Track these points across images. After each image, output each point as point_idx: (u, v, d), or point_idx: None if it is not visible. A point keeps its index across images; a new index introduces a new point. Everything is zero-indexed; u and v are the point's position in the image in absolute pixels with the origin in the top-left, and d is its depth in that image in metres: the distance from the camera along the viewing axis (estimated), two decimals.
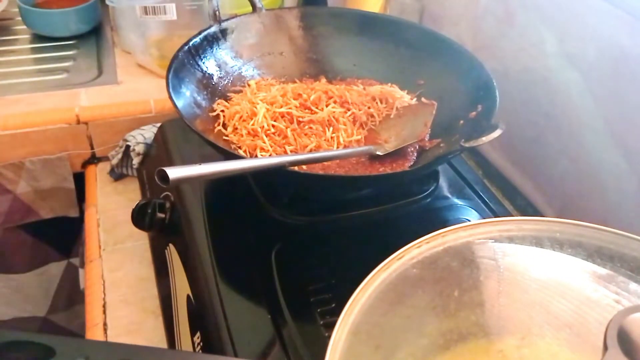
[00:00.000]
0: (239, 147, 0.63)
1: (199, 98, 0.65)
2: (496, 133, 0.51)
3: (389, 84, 0.73)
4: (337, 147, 0.64)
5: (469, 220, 0.50)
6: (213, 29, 0.69)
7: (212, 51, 0.69)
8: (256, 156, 0.61)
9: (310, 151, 0.62)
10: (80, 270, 0.83)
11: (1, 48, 0.97)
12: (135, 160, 0.77)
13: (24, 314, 0.94)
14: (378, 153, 0.63)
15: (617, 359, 0.26)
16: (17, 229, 0.86)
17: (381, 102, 0.69)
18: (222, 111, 0.66)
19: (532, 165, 0.74)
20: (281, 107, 0.65)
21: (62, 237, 0.91)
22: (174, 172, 0.42)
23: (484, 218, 0.61)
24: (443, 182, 0.66)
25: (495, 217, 0.62)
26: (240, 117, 0.65)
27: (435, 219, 0.62)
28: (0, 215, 0.83)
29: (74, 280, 0.92)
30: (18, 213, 0.84)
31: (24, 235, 0.88)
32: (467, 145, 0.52)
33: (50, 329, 0.95)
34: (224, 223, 0.59)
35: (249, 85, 0.71)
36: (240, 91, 0.70)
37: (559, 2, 0.64)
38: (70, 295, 0.94)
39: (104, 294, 0.65)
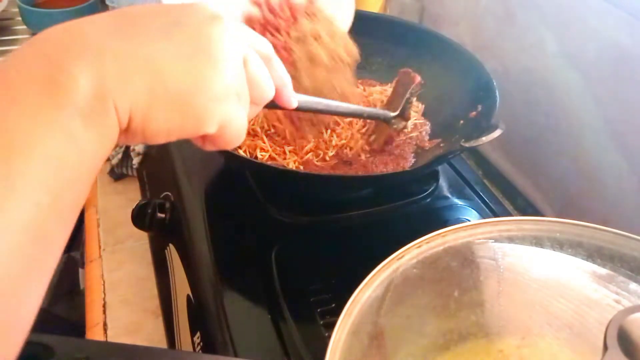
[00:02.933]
0: (239, 147, 0.63)
1: None
2: (496, 133, 0.51)
3: (389, 85, 0.73)
4: (334, 148, 0.64)
5: (469, 220, 0.50)
6: None
7: None
8: (256, 157, 0.61)
9: (309, 151, 0.62)
10: (81, 270, 0.83)
11: (1, 48, 0.97)
12: (135, 160, 0.77)
13: None
14: (392, 114, 0.61)
15: (617, 359, 0.26)
16: None
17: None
18: None
19: (532, 165, 0.74)
20: None
21: None
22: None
23: (484, 218, 0.61)
24: (443, 182, 0.66)
25: (495, 217, 0.62)
26: None
27: (435, 219, 0.62)
28: None
29: (74, 272, 0.92)
30: None
31: None
32: (467, 145, 0.52)
33: (51, 320, 0.95)
34: (224, 223, 0.59)
35: None
36: None
37: (559, 2, 0.64)
38: (71, 288, 0.93)
39: (104, 294, 0.65)
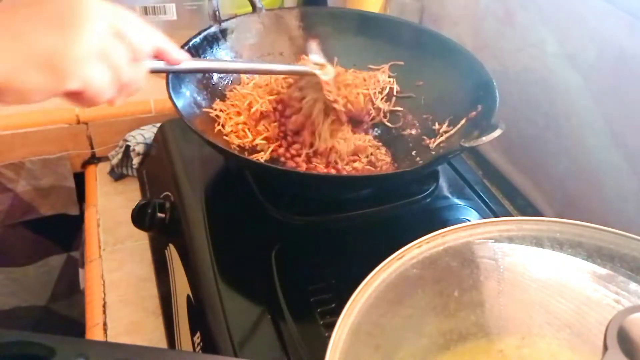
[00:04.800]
0: (240, 146, 0.63)
1: (199, 98, 0.65)
2: (496, 133, 0.51)
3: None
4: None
5: (469, 220, 0.50)
6: (213, 29, 0.69)
7: (212, 51, 0.69)
8: (255, 147, 0.61)
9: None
10: (81, 270, 0.83)
11: None
12: (135, 160, 0.77)
13: (25, 304, 0.94)
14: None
15: (617, 359, 0.26)
16: (17, 225, 0.86)
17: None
18: (222, 111, 0.66)
19: (532, 165, 0.74)
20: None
21: (62, 232, 0.91)
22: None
23: (484, 218, 0.61)
24: (443, 182, 0.66)
25: (495, 217, 0.62)
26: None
27: (435, 219, 0.62)
28: (1, 212, 0.83)
29: (74, 272, 0.92)
30: (19, 210, 0.84)
31: (24, 231, 0.88)
32: (467, 145, 0.52)
33: (51, 317, 0.95)
34: (224, 223, 0.59)
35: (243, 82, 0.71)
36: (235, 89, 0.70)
37: (559, 2, 0.64)
38: (71, 285, 0.94)
39: (104, 294, 0.65)
